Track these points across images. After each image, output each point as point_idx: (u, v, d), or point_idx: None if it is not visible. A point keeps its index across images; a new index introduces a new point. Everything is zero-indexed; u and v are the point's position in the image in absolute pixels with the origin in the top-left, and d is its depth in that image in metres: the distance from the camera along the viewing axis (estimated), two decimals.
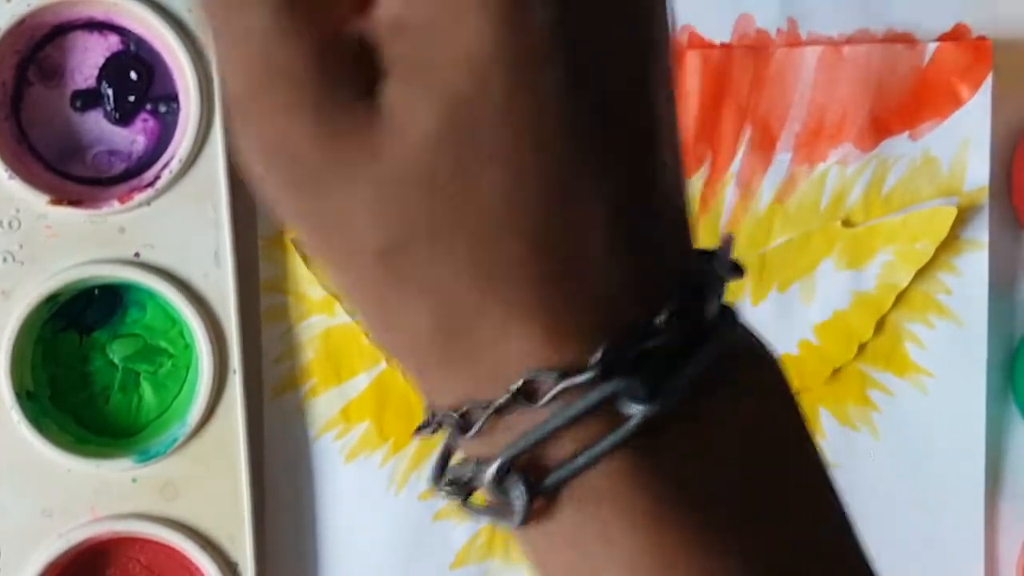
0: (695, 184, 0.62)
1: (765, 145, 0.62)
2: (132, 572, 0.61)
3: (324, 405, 0.62)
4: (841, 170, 0.62)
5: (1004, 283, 0.63)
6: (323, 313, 0.62)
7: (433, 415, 0.27)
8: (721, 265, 0.27)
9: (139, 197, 0.59)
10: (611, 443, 0.25)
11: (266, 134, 0.25)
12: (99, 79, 0.60)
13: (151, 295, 0.61)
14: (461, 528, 0.63)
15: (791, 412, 0.27)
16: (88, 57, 0.60)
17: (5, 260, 0.59)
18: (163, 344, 0.62)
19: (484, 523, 0.62)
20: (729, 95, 0.61)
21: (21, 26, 0.58)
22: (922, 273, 0.62)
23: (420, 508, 0.63)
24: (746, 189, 0.62)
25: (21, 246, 0.59)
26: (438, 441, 0.66)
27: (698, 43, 0.61)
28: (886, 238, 0.61)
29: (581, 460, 0.25)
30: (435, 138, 0.24)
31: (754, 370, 0.27)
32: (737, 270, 0.27)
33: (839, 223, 0.62)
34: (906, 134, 0.62)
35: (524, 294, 0.25)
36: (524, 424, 0.25)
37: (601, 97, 0.24)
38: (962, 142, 0.62)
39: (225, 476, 0.60)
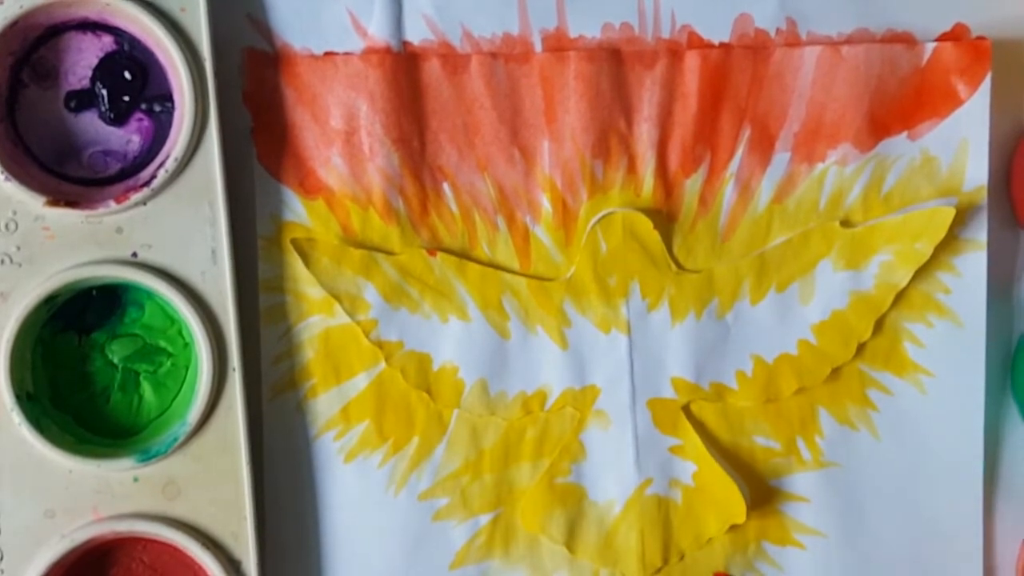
0: (694, 184, 0.62)
1: (764, 145, 0.62)
2: (136, 572, 0.62)
3: (323, 405, 0.62)
4: (840, 170, 0.62)
5: (1003, 283, 0.63)
6: (323, 313, 0.62)
7: None
8: None
9: (135, 197, 0.59)
10: None
11: None
12: (93, 79, 0.60)
13: (149, 295, 0.61)
14: (461, 528, 0.63)
15: None
16: (82, 58, 0.60)
17: (3, 262, 0.59)
18: (162, 343, 0.62)
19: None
20: (728, 95, 0.61)
21: (14, 27, 0.58)
22: (921, 273, 0.61)
23: (420, 508, 0.63)
24: (745, 189, 0.62)
25: (19, 248, 0.59)
26: (438, 441, 0.67)
27: (697, 43, 0.61)
28: (885, 238, 0.61)
29: None
30: None
31: None
32: None
33: (838, 223, 0.61)
34: (905, 134, 0.61)
35: None
36: None
37: None
38: (961, 142, 0.61)
39: (227, 474, 0.60)
